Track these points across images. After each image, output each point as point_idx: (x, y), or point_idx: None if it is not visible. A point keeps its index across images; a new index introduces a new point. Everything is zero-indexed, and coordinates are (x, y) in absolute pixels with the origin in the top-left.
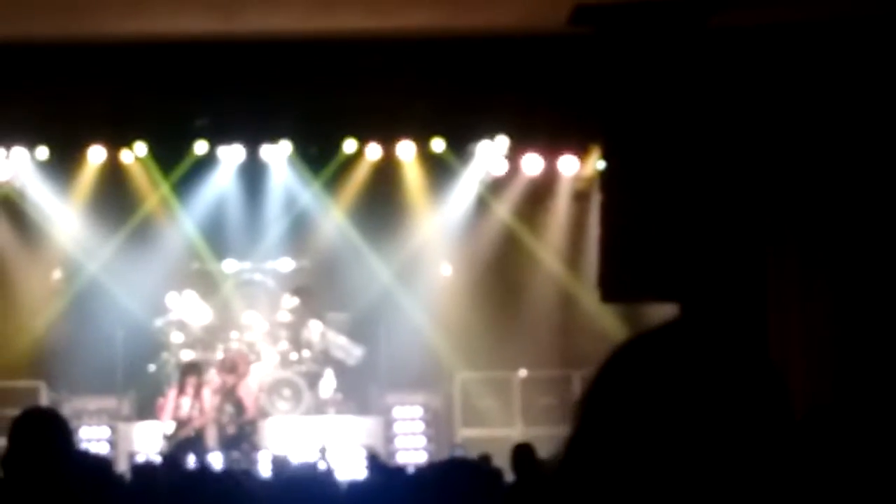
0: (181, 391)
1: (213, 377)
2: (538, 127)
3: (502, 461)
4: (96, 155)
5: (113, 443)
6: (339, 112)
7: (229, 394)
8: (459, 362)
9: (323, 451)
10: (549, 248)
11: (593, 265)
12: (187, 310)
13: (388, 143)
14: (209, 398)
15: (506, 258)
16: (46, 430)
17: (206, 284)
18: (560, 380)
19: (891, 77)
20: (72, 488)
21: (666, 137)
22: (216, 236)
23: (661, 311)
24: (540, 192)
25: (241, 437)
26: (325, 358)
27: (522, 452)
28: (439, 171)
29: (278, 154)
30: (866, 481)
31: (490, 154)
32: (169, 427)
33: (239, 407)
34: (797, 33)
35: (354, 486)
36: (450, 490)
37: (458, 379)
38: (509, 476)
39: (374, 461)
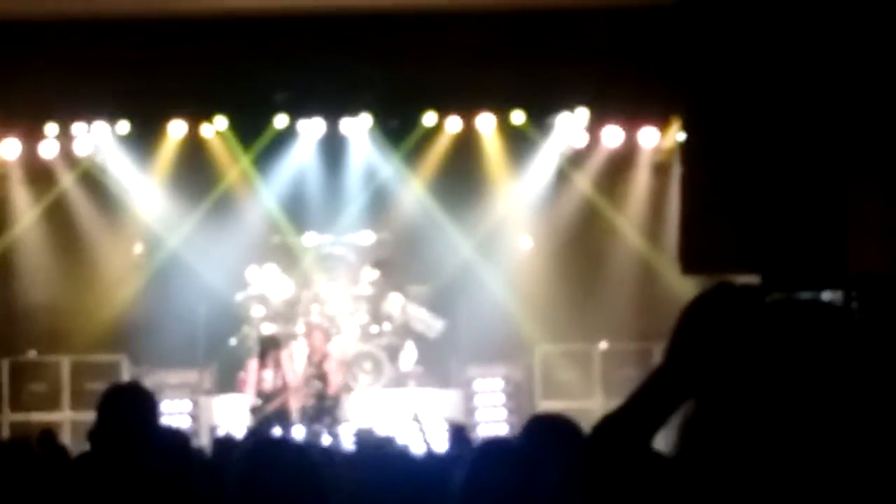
0: (262, 364)
1: (296, 348)
2: (618, 99)
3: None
4: (177, 129)
5: (194, 416)
6: (419, 85)
7: (317, 366)
8: (540, 335)
9: (416, 417)
10: (629, 220)
11: (674, 237)
12: (268, 283)
13: (467, 115)
14: (291, 370)
15: (586, 230)
16: (134, 406)
17: (287, 258)
18: (640, 352)
19: None
20: (154, 463)
21: (747, 107)
22: (296, 210)
23: (743, 282)
24: (620, 165)
25: (323, 411)
26: (406, 331)
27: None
28: (519, 144)
29: (358, 127)
30: None
31: (570, 126)
32: (253, 401)
33: (324, 380)
34: None
35: (435, 459)
36: (530, 449)
37: (538, 351)
38: None
39: (459, 433)
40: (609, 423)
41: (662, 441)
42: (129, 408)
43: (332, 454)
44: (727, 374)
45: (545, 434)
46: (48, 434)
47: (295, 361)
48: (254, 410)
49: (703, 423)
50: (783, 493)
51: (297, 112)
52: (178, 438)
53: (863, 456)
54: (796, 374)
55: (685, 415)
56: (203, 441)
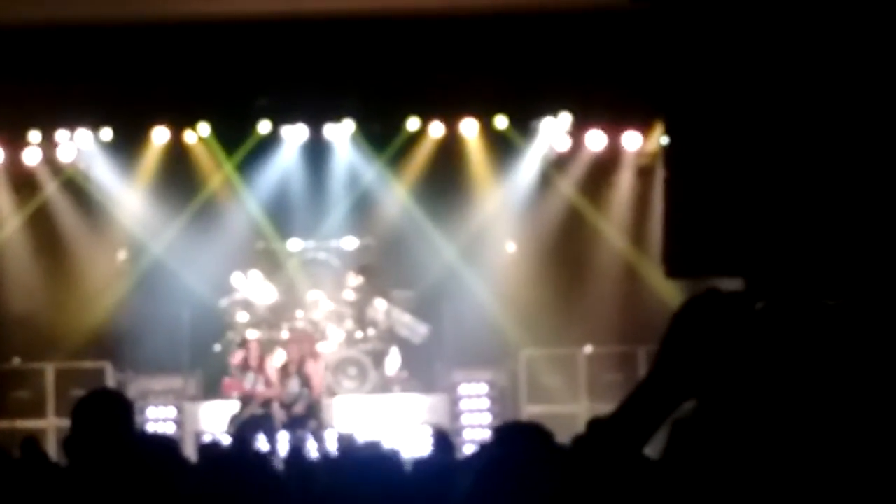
0: (245, 368)
1: (279, 354)
2: (601, 103)
3: (567, 438)
4: (160, 135)
5: (179, 423)
6: (402, 90)
7: (298, 369)
8: (524, 339)
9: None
10: (613, 224)
11: (658, 241)
12: (252, 289)
13: (451, 120)
14: (274, 372)
15: (570, 234)
16: (107, 412)
17: (271, 264)
18: (625, 356)
19: None
20: (135, 470)
21: (728, 107)
22: (280, 215)
23: (727, 286)
24: (603, 168)
25: (308, 416)
26: (391, 336)
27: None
28: (503, 148)
29: (342, 133)
30: None
31: (553, 130)
32: (236, 406)
33: (306, 384)
34: None
35: (420, 464)
36: (510, 453)
37: (523, 356)
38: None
39: (442, 439)
40: (600, 428)
41: (650, 447)
42: (101, 415)
43: (305, 463)
44: (723, 379)
45: (518, 442)
46: (31, 441)
47: (278, 366)
48: (235, 416)
49: (702, 428)
50: (781, 495)
51: (280, 118)
52: (166, 444)
53: (863, 461)
54: (792, 379)
55: (677, 421)
56: (188, 447)
